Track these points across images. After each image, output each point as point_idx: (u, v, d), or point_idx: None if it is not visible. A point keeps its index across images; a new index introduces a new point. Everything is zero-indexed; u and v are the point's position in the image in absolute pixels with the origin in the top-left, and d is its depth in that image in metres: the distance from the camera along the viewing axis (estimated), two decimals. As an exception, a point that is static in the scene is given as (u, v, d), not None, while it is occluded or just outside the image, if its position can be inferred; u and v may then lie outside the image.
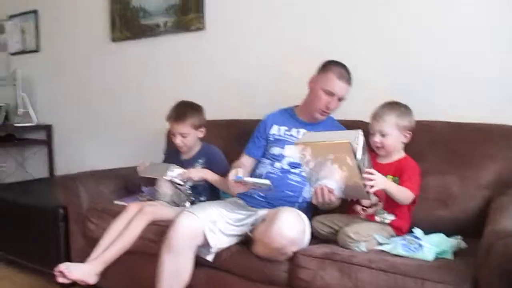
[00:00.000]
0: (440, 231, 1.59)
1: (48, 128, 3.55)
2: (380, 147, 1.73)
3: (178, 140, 2.08)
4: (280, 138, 1.98)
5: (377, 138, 1.72)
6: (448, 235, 1.59)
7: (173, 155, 2.23)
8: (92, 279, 1.83)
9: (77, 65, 3.41)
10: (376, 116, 1.73)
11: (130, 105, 3.13)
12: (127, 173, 2.38)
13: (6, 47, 3.85)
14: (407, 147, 1.77)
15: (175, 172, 1.96)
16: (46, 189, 2.72)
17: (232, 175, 1.73)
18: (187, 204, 2.04)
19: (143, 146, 2.96)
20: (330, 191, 1.54)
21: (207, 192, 2.12)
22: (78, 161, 3.38)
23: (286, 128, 1.99)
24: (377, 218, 1.68)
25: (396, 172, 1.70)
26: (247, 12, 2.56)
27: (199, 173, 2.02)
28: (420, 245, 1.43)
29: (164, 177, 1.97)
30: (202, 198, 2.11)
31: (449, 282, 1.27)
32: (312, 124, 1.95)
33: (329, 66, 1.88)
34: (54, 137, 3.59)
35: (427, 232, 1.57)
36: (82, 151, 3.42)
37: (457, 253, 1.51)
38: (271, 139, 2.00)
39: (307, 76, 1.95)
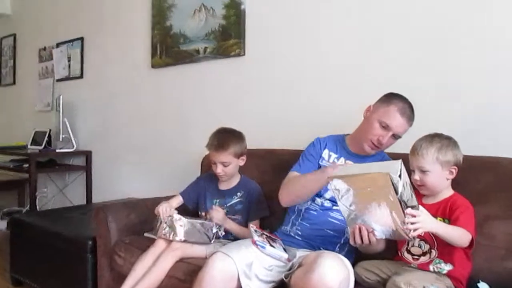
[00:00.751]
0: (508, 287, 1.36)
1: (87, 154, 3.55)
2: (420, 185, 1.53)
3: (219, 170, 1.97)
4: (328, 165, 1.79)
5: (416, 176, 1.51)
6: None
7: (210, 181, 2.12)
8: None
9: (118, 91, 3.40)
10: (414, 150, 1.53)
11: (168, 131, 3.07)
12: (159, 202, 2.26)
13: (53, 74, 3.93)
14: (467, 189, 1.55)
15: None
16: (80, 218, 2.65)
17: (253, 233, 1.62)
18: (215, 231, 1.87)
19: (181, 174, 2.86)
20: (369, 231, 1.37)
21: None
22: (115, 188, 3.35)
23: (336, 155, 1.82)
24: (431, 267, 1.46)
25: (445, 212, 1.49)
26: (288, 37, 2.44)
27: (221, 220, 1.91)
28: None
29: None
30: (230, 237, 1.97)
31: None
32: (361, 157, 1.78)
33: (392, 98, 1.71)
34: (93, 164, 3.58)
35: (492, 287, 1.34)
36: (120, 178, 3.38)
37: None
38: (320, 163, 1.82)
39: (349, 108, 1.83)
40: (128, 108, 3.33)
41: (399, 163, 1.24)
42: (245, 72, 2.63)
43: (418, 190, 1.55)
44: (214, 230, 1.86)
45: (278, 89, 2.50)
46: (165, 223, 1.82)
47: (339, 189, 1.33)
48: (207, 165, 2.50)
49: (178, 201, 2.06)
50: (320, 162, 1.82)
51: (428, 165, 1.50)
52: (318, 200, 1.76)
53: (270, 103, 2.53)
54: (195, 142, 2.83)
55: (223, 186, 2.07)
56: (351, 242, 1.45)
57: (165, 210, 1.87)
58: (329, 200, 1.74)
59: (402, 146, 1.67)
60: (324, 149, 1.84)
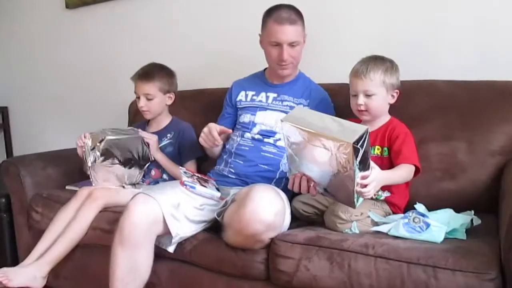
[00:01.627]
0: (444, 207, 1.33)
1: (3, 110, 3.21)
2: (363, 110, 1.44)
3: (142, 103, 1.82)
4: (248, 105, 1.72)
5: (361, 100, 1.42)
6: (455, 210, 1.32)
7: (141, 127, 1.93)
8: (38, 284, 1.55)
9: (31, 39, 3.04)
10: (359, 73, 1.42)
11: (92, 80, 2.80)
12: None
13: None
14: (404, 113, 1.50)
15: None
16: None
17: (182, 174, 1.50)
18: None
19: (108, 124, 2.63)
20: (310, 184, 1.27)
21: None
22: (39, 145, 3.03)
23: (254, 92, 1.73)
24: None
25: (383, 140, 1.43)
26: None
27: (155, 151, 1.78)
28: (427, 224, 1.16)
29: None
30: (165, 176, 1.83)
31: (469, 269, 0.99)
32: (282, 86, 1.70)
33: (266, 15, 1.63)
34: (11, 120, 3.25)
35: (430, 209, 1.30)
36: (43, 134, 3.09)
37: (469, 232, 1.24)
38: (239, 106, 1.75)
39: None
40: (45, 57, 2.99)
41: (366, 131, 1.10)
42: (170, 9, 2.42)
43: (357, 116, 1.47)
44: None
45: (205, 27, 2.31)
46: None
47: (289, 135, 1.21)
48: (133, 112, 2.32)
49: None
50: (238, 106, 1.76)
51: (375, 88, 1.41)
52: (248, 135, 1.67)
53: (197, 42, 2.34)
54: (121, 90, 2.60)
55: (153, 128, 1.92)
56: (289, 187, 1.34)
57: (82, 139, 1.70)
58: (259, 134, 1.65)
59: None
60: (240, 92, 1.77)
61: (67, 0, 2.75)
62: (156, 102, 1.83)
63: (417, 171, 1.36)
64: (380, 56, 1.47)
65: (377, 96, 1.42)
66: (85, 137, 1.68)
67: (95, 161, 1.67)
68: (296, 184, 1.30)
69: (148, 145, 1.76)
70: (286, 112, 1.62)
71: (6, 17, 3.16)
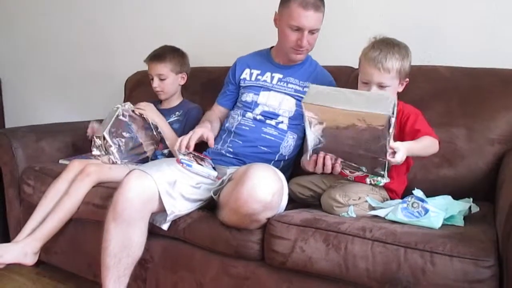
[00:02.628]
0: (441, 194, 1.31)
1: (-5, 82, 3.15)
2: None
3: (155, 83, 1.86)
4: (252, 84, 1.68)
5: (373, 90, 1.35)
6: (452, 197, 1.31)
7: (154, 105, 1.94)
8: (29, 260, 1.53)
9: (25, 9, 2.96)
10: (376, 62, 1.33)
11: (87, 53, 2.74)
12: (77, 128, 2.05)
13: None
14: (405, 98, 1.46)
15: (126, 106, 1.72)
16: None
17: (177, 149, 1.44)
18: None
19: (104, 99, 2.63)
20: (333, 162, 1.25)
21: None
22: (32, 119, 2.98)
23: (259, 72, 1.68)
24: (368, 180, 1.38)
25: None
26: None
27: (154, 115, 1.76)
28: (426, 210, 1.15)
29: (114, 117, 1.67)
30: (165, 151, 1.81)
31: (467, 255, 0.98)
32: (289, 67, 1.65)
33: None
34: (4, 93, 3.19)
35: (427, 195, 1.29)
36: (36, 108, 3.04)
37: (467, 219, 1.23)
38: (242, 84, 1.70)
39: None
40: (40, 28, 2.92)
41: (393, 102, 1.07)
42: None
43: None
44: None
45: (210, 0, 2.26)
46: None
47: (312, 117, 1.17)
48: (130, 88, 2.28)
49: None
50: (242, 84, 1.70)
51: (390, 80, 1.34)
52: (250, 115, 1.63)
53: (202, 17, 2.29)
54: (118, 64, 2.58)
55: (163, 106, 1.93)
56: (310, 169, 1.30)
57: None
58: (260, 115, 1.61)
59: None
60: (244, 69, 1.72)
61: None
62: (169, 82, 1.86)
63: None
64: (395, 41, 1.38)
65: (390, 88, 1.36)
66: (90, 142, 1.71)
67: (120, 149, 1.68)
68: (319, 164, 1.26)
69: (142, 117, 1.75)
70: (290, 95, 1.60)
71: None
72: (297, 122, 1.60)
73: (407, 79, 1.41)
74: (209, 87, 1.97)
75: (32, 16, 2.94)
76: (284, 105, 1.60)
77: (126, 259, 1.34)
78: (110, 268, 1.32)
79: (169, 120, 1.84)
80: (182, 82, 1.91)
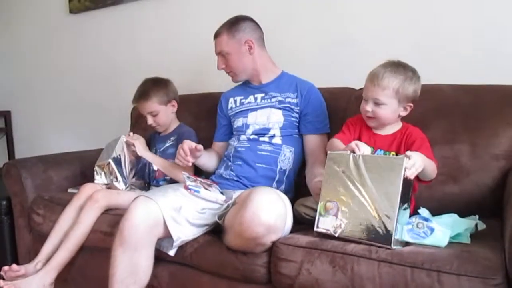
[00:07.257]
0: (448, 211, 1.30)
1: (6, 115, 3.21)
2: (371, 117, 1.39)
3: (150, 121, 1.89)
4: (238, 109, 1.75)
5: (369, 107, 1.36)
6: (459, 215, 1.30)
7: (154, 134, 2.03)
8: None
9: (34, 44, 3.05)
10: (374, 79, 1.35)
11: (94, 84, 2.80)
12: (85, 156, 2.07)
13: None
14: (408, 116, 1.44)
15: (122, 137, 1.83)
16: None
17: (185, 179, 1.49)
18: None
19: (110, 128, 2.65)
20: None
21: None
22: (40, 149, 3.02)
23: (242, 97, 1.77)
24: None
25: (400, 146, 1.38)
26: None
27: (142, 149, 1.82)
28: (431, 229, 1.14)
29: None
30: (167, 177, 1.83)
31: (474, 274, 0.97)
32: (267, 85, 1.73)
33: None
34: (13, 124, 3.24)
35: (433, 213, 1.28)
36: (45, 138, 3.09)
37: (473, 236, 1.22)
38: (231, 114, 1.78)
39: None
40: (48, 62, 3.00)
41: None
42: (176, 13, 2.42)
43: (366, 123, 1.44)
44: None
45: (213, 28, 2.29)
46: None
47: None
48: (135, 116, 2.32)
49: None
50: (230, 114, 1.79)
51: (385, 97, 1.34)
52: (243, 137, 1.68)
53: (204, 46, 2.32)
54: (124, 93, 2.60)
55: (162, 133, 1.98)
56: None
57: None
58: (253, 134, 1.67)
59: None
60: (228, 100, 1.81)
61: (70, 5, 2.77)
62: (162, 115, 1.88)
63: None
64: (404, 63, 1.38)
65: (387, 106, 1.35)
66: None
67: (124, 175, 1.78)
68: None
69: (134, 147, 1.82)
70: (276, 107, 1.66)
71: (10, 22, 3.17)
72: (289, 132, 1.64)
73: (411, 104, 1.39)
74: (216, 112, 1.97)
75: (41, 49, 3.02)
76: (272, 118, 1.65)
77: (133, 285, 1.34)
78: (118, 295, 1.32)
79: (165, 146, 1.89)
80: (174, 109, 1.93)
